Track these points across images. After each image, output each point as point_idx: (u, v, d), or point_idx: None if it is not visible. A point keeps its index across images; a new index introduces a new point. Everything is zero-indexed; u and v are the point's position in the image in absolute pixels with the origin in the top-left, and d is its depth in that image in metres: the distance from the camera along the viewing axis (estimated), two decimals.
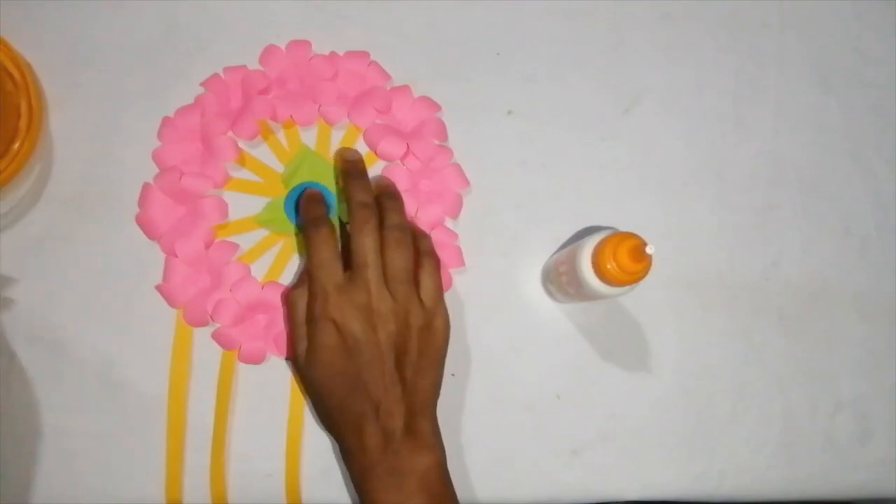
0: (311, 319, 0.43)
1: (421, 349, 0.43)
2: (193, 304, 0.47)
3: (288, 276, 0.49)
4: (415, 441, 0.42)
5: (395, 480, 0.41)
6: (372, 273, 0.43)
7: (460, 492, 0.43)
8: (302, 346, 0.44)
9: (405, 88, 0.51)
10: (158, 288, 0.47)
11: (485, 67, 0.53)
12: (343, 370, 0.42)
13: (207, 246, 0.48)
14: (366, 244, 0.43)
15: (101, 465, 0.45)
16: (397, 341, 0.43)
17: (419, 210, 0.49)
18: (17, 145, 0.46)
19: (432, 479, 0.42)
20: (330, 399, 0.43)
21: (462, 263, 0.50)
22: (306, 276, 0.44)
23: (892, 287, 0.54)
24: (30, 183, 0.47)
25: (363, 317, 0.42)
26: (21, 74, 0.46)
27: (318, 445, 0.47)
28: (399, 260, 0.44)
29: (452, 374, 0.49)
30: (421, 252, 0.46)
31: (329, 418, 0.44)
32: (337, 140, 0.50)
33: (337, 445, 0.45)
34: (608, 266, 0.41)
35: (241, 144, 0.49)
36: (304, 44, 0.51)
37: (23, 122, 0.46)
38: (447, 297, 0.49)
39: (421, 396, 0.43)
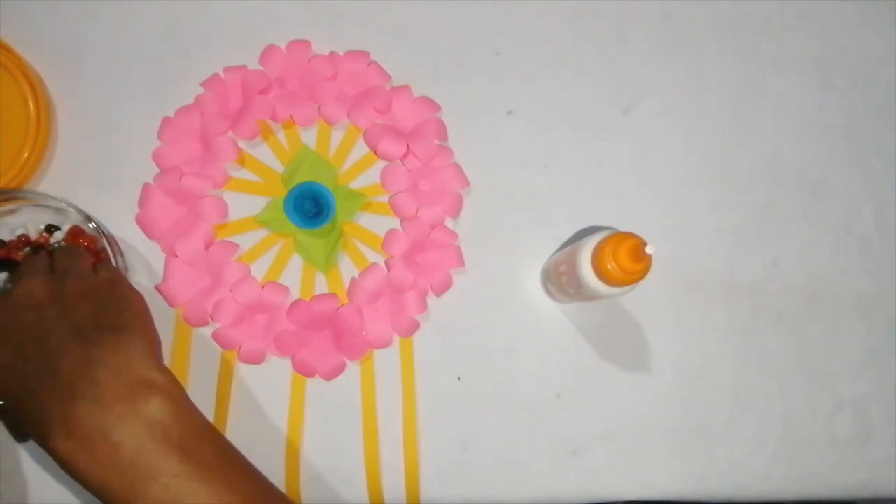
0: None
1: (84, 312, 0.39)
2: (193, 304, 0.47)
3: (288, 276, 0.49)
4: (131, 392, 0.36)
5: (111, 442, 0.35)
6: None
7: (461, 491, 0.42)
8: None
9: (405, 88, 0.51)
10: (158, 288, 0.47)
11: (485, 67, 0.53)
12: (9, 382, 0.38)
13: (207, 246, 0.48)
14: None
15: None
16: (62, 313, 0.38)
17: (419, 210, 0.49)
18: (25, 155, 0.46)
19: (165, 421, 0.36)
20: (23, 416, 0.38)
21: (462, 263, 0.50)
22: None
23: (892, 287, 0.54)
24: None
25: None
26: (30, 85, 0.46)
27: (318, 445, 0.47)
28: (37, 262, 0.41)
29: (458, 378, 0.49)
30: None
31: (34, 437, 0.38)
32: (337, 140, 0.50)
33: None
34: (608, 266, 0.41)
35: (241, 144, 0.49)
36: (304, 44, 0.51)
37: (31, 132, 0.46)
38: (447, 296, 0.49)
39: (123, 348, 0.37)
